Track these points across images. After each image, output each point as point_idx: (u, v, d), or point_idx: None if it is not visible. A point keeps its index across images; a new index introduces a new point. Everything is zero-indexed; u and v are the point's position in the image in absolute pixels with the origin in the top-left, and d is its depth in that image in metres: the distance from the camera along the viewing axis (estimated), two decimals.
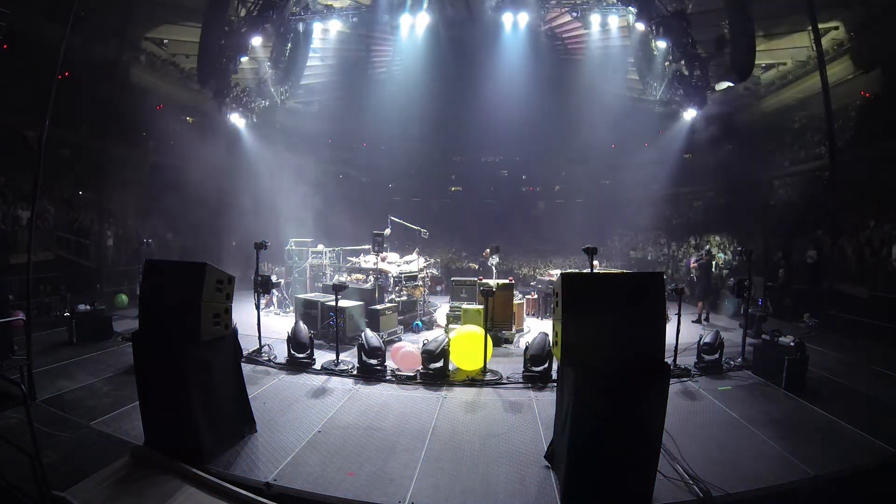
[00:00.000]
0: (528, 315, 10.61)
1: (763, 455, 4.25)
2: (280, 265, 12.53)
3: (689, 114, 13.74)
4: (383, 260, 10.19)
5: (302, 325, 7.20)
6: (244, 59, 13.33)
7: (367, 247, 11.16)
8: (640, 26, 12.96)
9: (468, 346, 6.54)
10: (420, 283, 10.06)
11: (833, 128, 11.32)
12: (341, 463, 4.07)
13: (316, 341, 7.28)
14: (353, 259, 11.41)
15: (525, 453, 4.31)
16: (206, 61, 12.89)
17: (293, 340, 6.92)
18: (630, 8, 12.83)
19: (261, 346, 7.22)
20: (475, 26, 17.94)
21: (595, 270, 7.16)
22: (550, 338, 4.51)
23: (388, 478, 3.86)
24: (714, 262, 12.43)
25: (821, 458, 4.14)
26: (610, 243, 19.30)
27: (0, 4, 7.16)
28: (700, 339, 6.99)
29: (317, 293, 9.59)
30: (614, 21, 13.81)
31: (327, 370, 6.54)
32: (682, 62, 12.35)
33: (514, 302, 9.17)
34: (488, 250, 10.90)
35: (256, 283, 7.66)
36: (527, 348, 6.49)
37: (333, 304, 7.18)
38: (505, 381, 6.21)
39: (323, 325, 8.16)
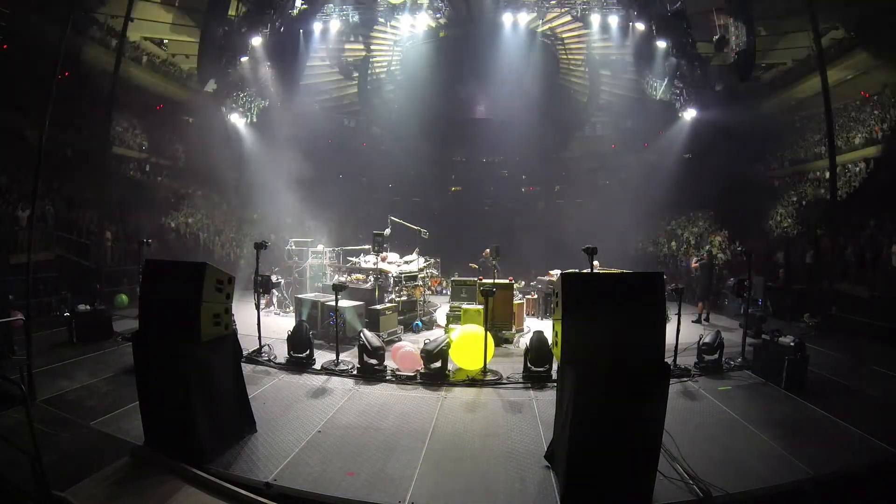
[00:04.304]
0: (528, 315, 10.61)
1: (763, 455, 4.25)
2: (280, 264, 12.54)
3: (689, 114, 13.76)
4: (383, 260, 10.19)
5: (302, 325, 7.20)
6: (244, 59, 13.34)
7: (367, 247, 11.16)
8: (640, 26, 12.97)
9: (470, 345, 6.54)
10: (420, 283, 10.05)
11: (833, 128, 11.30)
12: (341, 463, 4.07)
13: (316, 341, 7.29)
14: (353, 259, 11.41)
15: (525, 453, 4.30)
16: (207, 61, 12.90)
17: (293, 340, 6.92)
18: (630, 10, 12.85)
19: (261, 346, 7.21)
20: (475, 26, 17.93)
21: (595, 270, 7.16)
22: (550, 338, 4.51)
23: (388, 478, 3.86)
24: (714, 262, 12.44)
25: (821, 458, 4.13)
26: (609, 243, 19.30)
27: (0, 4, 7.17)
28: (700, 339, 6.99)
29: (317, 293, 9.59)
30: (614, 21, 13.81)
31: (327, 370, 6.53)
32: (682, 62, 12.36)
33: (514, 302, 9.17)
34: (488, 250, 10.90)
35: (256, 283, 7.67)
36: (527, 348, 6.49)
37: (333, 304, 7.18)
38: (505, 381, 6.21)
39: (323, 325, 8.16)
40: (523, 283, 12.03)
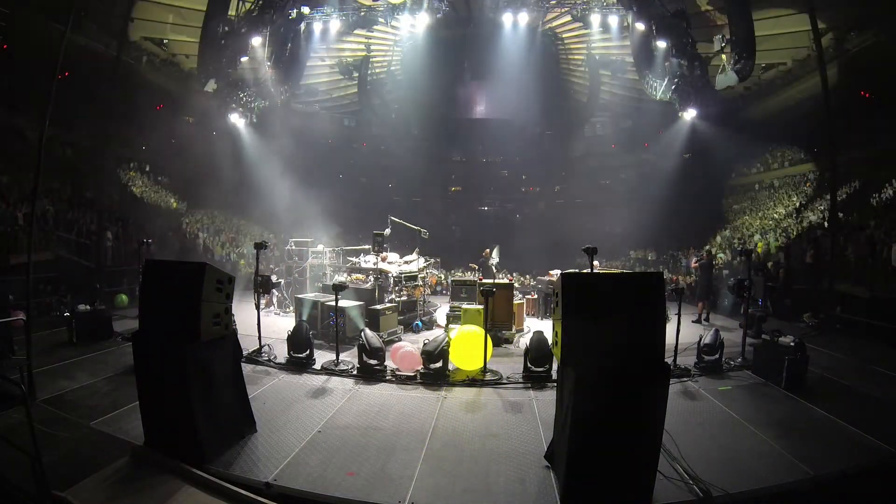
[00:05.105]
0: (528, 315, 10.61)
1: (763, 455, 4.24)
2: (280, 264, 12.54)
3: (689, 114, 13.75)
4: (383, 260, 10.19)
5: (302, 325, 7.20)
6: (244, 59, 13.33)
7: (367, 247, 11.16)
8: (640, 26, 12.96)
9: (468, 346, 6.54)
10: (420, 283, 10.04)
11: (833, 128, 11.30)
12: (341, 463, 4.07)
13: (316, 341, 7.29)
14: (353, 259, 11.41)
15: (525, 453, 4.30)
16: (207, 61, 12.90)
17: (293, 340, 6.91)
18: (630, 10, 12.84)
19: (261, 346, 7.21)
20: (475, 26, 17.95)
21: (595, 270, 7.16)
22: (550, 338, 4.51)
23: (388, 478, 3.85)
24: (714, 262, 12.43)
25: (821, 458, 4.13)
26: (609, 243, 19.32)
27: (0, 4, 7.17)
28: (700, 339, 6.98)
29: (317, 293, 9.59)
30: (614, 21, 13.81)
31: (327, 370, 6.53)
32: (682, 62, 12.34)
33: (514, 302, 9.17)
34: (488, 250, 10.91)
35: (256, 283, 7.66)
36: (527, 348, 6.49)
37: (333, 304, 7.17)
38: (505, 381, 6.20)
39: (323, 325, 8.15)
40: (522, 278, 12.02)
